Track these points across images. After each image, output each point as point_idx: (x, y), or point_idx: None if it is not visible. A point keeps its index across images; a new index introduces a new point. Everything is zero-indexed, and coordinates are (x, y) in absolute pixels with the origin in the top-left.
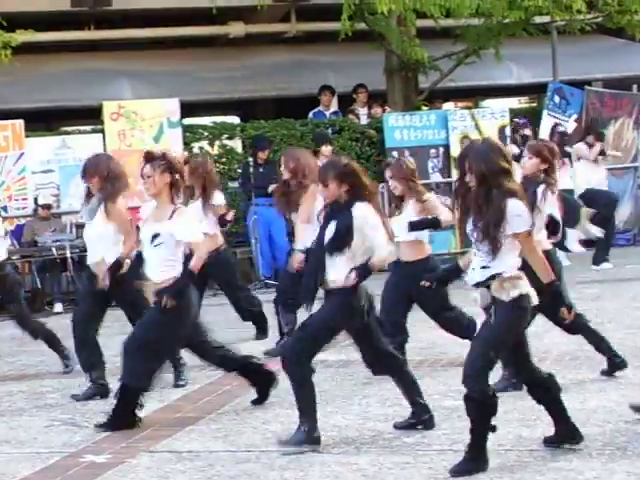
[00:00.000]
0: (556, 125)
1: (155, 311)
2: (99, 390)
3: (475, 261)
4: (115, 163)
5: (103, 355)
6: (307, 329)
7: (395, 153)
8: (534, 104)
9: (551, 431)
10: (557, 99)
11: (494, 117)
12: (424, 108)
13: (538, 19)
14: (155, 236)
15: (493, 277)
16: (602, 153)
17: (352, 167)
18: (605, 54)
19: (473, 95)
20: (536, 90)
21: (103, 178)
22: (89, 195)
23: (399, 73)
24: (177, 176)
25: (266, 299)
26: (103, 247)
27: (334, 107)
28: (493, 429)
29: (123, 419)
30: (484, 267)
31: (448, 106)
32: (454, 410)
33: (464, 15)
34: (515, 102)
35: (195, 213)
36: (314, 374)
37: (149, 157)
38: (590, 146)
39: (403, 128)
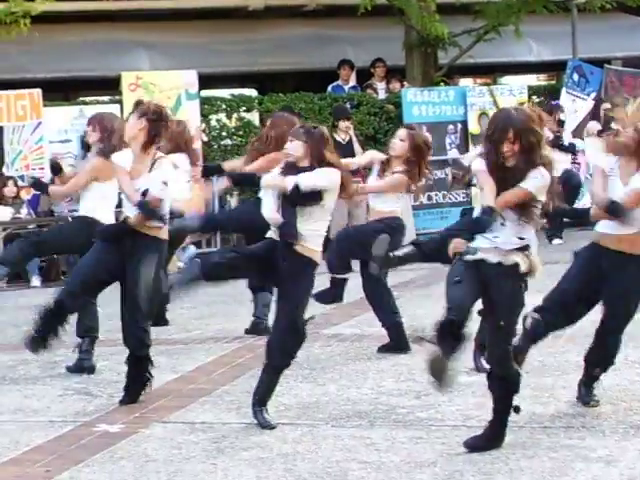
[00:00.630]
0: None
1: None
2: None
3: (500, 231)
4: (119, 123)
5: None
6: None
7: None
8: (553, 81)
9: (565, 409)
10: (576, 77)
11: (512, 94)
12: (442, 84)
13: None
14: (145, 192)
15: (525, 248)
16: None
17: (321, 133)
18: (625, 32)
19: (492, 72)
20: (555, 68)
21: (104, 134)
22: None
23: (418, 49)
24: (156, 124)
25: None
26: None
27: (353, 81)
28: (517, 410)
29: (141, 386)
30: (521, 238)
31: (467, 82)
32: (468, 386)
33: None
34: (534, 79)
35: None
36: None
37: (134, 106)
38: None
39: (421, 104)
